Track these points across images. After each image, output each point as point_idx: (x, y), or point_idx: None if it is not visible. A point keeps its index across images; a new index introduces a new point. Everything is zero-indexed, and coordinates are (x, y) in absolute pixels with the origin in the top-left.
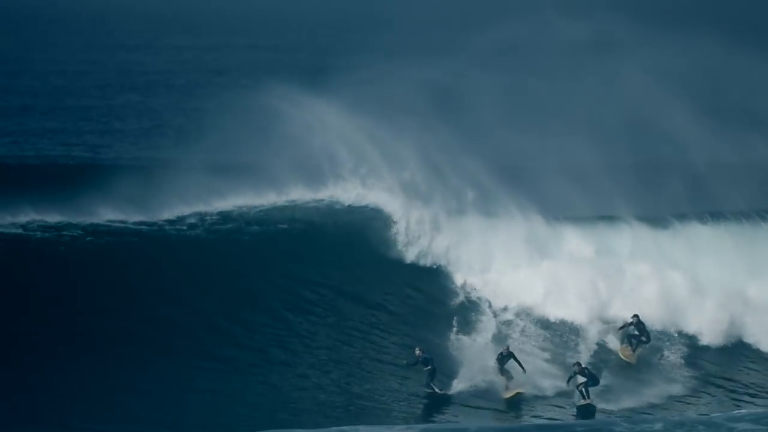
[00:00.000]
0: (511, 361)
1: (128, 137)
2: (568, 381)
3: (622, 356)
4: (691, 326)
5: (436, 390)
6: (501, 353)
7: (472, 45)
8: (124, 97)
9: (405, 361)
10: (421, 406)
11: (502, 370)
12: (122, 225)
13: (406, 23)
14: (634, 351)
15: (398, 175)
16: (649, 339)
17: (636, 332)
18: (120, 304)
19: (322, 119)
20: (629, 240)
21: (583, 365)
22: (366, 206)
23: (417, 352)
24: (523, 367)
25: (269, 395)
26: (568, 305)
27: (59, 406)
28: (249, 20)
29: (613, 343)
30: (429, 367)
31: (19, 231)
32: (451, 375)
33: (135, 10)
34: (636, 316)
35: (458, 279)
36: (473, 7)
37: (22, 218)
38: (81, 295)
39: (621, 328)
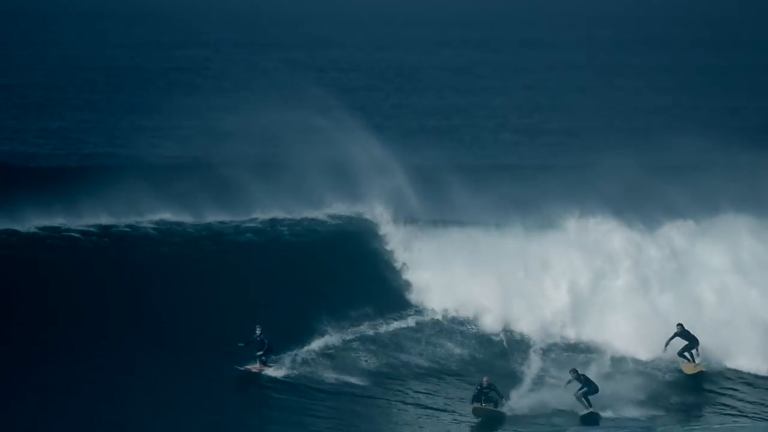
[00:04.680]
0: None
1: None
2: (566, 386)
3: (687, 372)
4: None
5: (256, 365)
6: (480, 386)
7: None
8: (127, 96)
9: (241, 344)
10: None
11: (480, 400)
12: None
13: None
14: (693, 360)
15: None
16: (697, 342)
17: (686, 342)
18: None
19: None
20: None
21: (579, 372)
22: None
23: (257, 331)
24: (503, 397)
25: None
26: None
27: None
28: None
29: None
30: (261, 351)
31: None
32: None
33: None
34: (680, 325)
35: (447, 294)
36: None
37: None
38: (64, 301)
39: (668, 342)
